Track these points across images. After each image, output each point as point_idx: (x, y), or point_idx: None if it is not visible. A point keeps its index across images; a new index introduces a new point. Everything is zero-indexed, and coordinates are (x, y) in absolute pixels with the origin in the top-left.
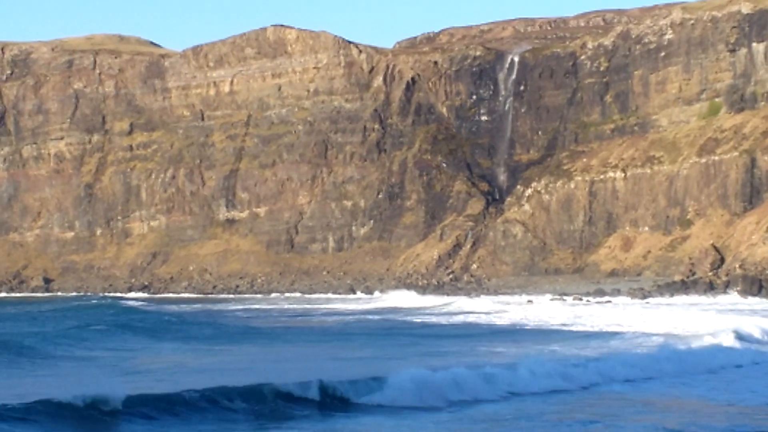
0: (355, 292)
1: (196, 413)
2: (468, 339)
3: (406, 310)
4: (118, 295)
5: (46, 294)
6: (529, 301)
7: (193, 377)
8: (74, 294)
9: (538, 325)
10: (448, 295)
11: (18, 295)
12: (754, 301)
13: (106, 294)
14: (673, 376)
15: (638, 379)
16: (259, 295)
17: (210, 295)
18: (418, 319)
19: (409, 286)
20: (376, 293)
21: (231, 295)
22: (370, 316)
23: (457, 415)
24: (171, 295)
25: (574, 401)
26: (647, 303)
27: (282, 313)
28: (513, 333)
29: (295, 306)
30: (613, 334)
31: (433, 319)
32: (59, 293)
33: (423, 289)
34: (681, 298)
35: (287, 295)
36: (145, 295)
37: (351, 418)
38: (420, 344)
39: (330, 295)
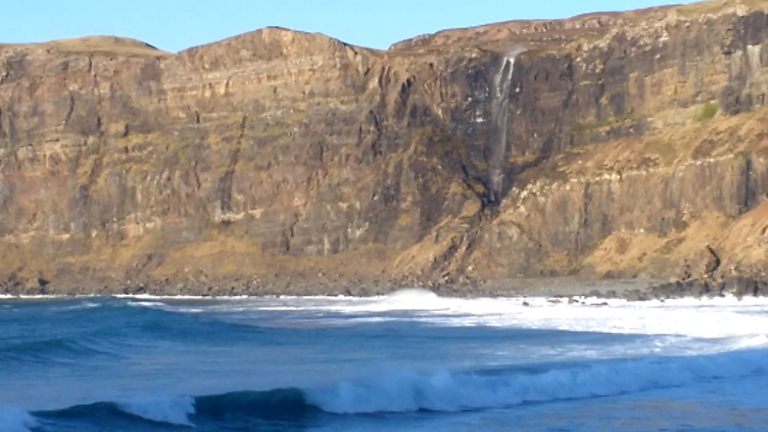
0: (350, 294)
1: None
2: (515, 341)
3: (426, 312)
4: (129, 296)
5: (42, 296)
6: (525, 304)
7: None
8: (91, 295)
9: (571, 325)
10: (464, 297)
11: (27, 297)
12: (752, 302)
13: (115, 295)
14: (738, 378)
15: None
16: (266, 297)
17: (219, 297)
18: (450, 322)
19: (427, 287)
20: (385, 295)
21: (243, 297)
22: (394, 318)
23: None
24: (182, 297)
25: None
26: (663, 303)
27: (301, 316)
28: (557, 335)
29: (310, 308)
30: (653, 337)
31: (455, 321)
32: (55, 295)
33: (439, 290)
34: (689, 300)
35: (286, 297)
36: (158, 297)
37: None
38: (471, 348)
39: (344, 297)
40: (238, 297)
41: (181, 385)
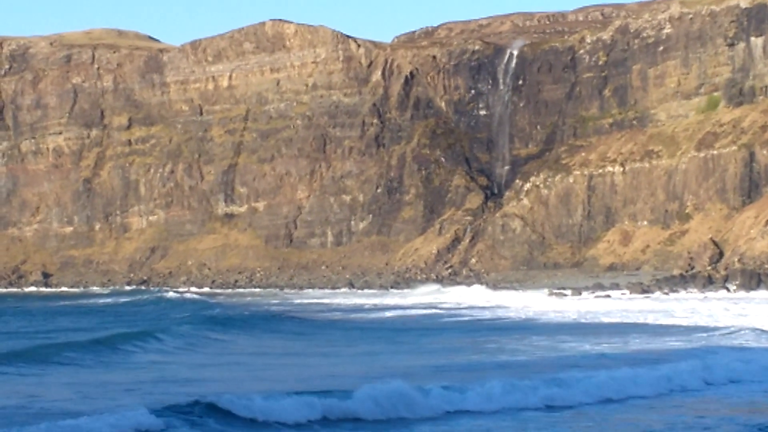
0: (354, 287)
1: None
2: (624, 335)
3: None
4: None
5: (46, 289)
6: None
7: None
8: (130, 288)
9: (637, 318)
10: (512, 289)
11: (46, 290)
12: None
13: (140, 287)
14: None
15: None
16: (291, 291)
17: (244, 290)
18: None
19: (476, 281)
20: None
21: (275, 290)
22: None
23: None
24: (218, 290)
25: None
26: (706, 296)
27: (339, 308)
28: (634, 328)
29: (347, 301)
30: (732, 329)
31: (511, 314)
32: (61, 288)
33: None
34: (706, 293)
35: (313, 290)
36: (196, 288)
37: None
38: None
39: (377, 291)
40: (261, 289)
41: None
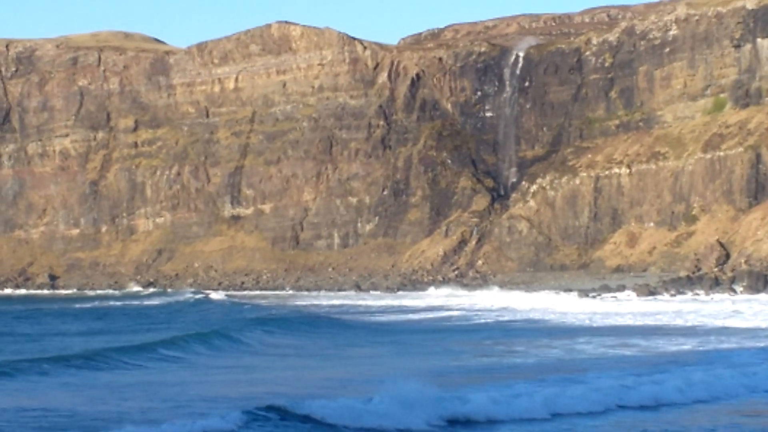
0: (360, 289)
1: None
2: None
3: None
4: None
5: (52, 291)
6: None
7: None
8: (151, 290)
9: (697, 322)
10: (524, 290)
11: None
12: None
13: (163, 289)
14: None
15: None
16: (306, 293)
17: (266, 291)
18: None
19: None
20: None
21: (290, 292)
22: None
23: None
24: (246, 292)
25: None
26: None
27: (372, 310)
28: (712, 332)
29: (380, 302)
30: None
31: (552, 318)
32: (65, 291)
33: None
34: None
35: (338, 292)
36: (225, 292)
37: None
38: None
39: (394, 293)
40: (285, 292)
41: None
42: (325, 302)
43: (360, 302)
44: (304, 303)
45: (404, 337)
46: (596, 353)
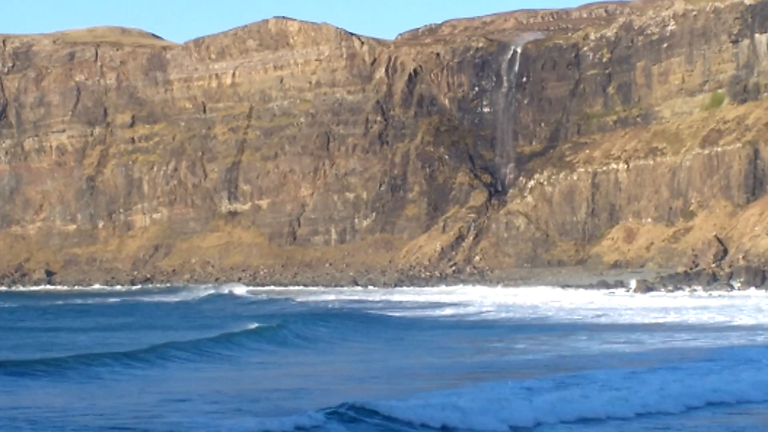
0: (358, 284)
1: None
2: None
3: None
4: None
5: (49, 287)
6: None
7: None
8: (182, 284)
9: (690, 315)
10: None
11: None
12: None
13: (154, 285)
14: None
15: None
16: (320, 288)
17: (277, 287)
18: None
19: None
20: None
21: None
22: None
23: None
24: (275, 287)
25: None
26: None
27: (400, 306)
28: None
29: (401, 297)
30: None
31: (587, 315)
32: (63, 286)
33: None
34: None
35: (360, 287)
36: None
37: None
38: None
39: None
40: (298, 287)
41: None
42: (358, 297)
43: (384, 298)
44: (331, 297)
45: (459, 332)
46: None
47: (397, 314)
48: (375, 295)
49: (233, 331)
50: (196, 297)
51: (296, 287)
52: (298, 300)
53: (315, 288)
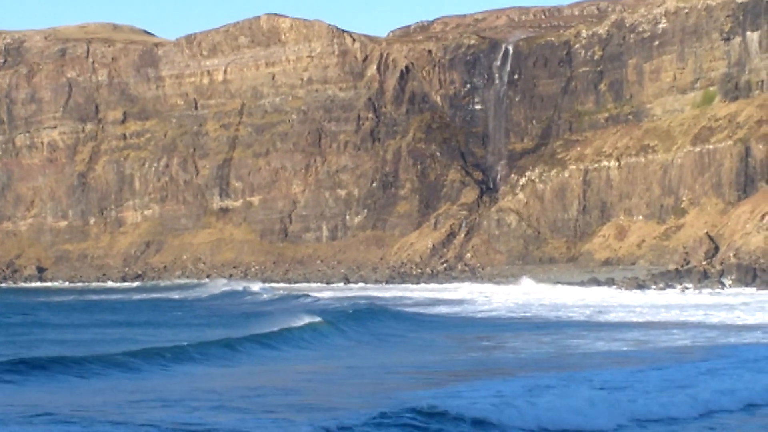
0: (349, 281)
1: None
2: None
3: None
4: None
5: (40, 284)
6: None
7: None
8: (196, 280)
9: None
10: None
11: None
12: None
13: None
14: None
15: None
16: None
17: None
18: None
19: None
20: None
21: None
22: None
23: None
24: (299, 284)
25: None
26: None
27: (419, 302)
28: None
29: (425, 294)
30: None
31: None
32: (53, 283)
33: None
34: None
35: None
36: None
37: None
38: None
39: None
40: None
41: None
42: (366, 294)
43: (392, 294)
44: (342, 294)
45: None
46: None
47: (423, 311)
48: (380, 291)
49: (291, 326)
50: (211, 293)
51: (298, 284)
52: (317, 296)
53: (315, 285)
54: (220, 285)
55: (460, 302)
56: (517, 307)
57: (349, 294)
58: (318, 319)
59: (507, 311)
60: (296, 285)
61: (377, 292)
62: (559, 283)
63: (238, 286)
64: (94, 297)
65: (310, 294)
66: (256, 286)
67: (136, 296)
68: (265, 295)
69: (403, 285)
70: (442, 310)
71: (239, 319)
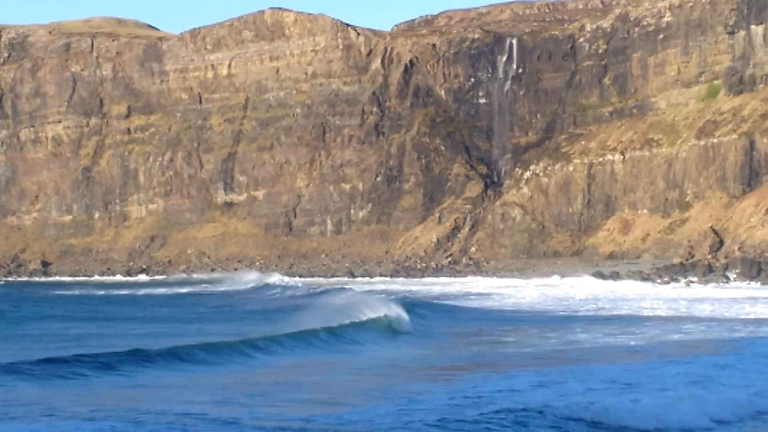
0: (354, 275)
1: None
2: None
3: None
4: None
5: (45, 278)
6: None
7: None
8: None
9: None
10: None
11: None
12: None
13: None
14: None
15: None
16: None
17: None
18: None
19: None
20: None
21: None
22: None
23: None
24: (308, 279)
25: None
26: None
27: (461, 295)
28: None
29: (448, 288)
30: None
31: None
32: (58, 277)
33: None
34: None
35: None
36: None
37: None
38: None
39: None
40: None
41: None
42: (415, 288)
43: (420, 288)
44: (382, 287)
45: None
46: None
47: (462, 304)
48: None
49: (361, 319)
50: (249, 286)
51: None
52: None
53: (322, 279)
54: (250, 278)
55: (489, 296)
56: (583, 301)
57: (379, 288)
58: (374, 315)
59: (544, 305)
60: (308, 279)
61: (397, 286)
62: (563, 277)
63: (268, 279)
64: (124, 292)
65: (345, 287)
66: (277, 279)
67: (160, 290)
68: (300, 288)
69: (415, 279)
70: (486, 303)
71: (303, 311)
